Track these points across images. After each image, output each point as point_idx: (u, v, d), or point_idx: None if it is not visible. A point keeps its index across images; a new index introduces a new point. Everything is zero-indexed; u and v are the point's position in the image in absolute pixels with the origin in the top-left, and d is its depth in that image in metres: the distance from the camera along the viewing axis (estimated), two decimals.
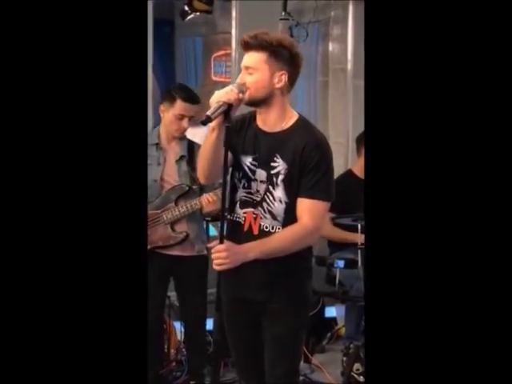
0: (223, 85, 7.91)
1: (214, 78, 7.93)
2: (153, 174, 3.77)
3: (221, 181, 2.78)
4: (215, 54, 7.88)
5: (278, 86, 2.61)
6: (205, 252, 3.92)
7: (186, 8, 6.22)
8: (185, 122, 3.77)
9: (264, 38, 2.58)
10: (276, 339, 2.73)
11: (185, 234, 3.82)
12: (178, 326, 4.51)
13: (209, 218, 4.26)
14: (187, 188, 3.78)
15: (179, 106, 3.76)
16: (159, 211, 3.80)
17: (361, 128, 5.71)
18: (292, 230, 2.60)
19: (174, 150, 3.85)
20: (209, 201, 3.67)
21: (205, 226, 4.15)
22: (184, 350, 4.43)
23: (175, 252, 3.84)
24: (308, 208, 2.60)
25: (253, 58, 2.59)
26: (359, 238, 4.19)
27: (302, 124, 2.69)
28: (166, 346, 4.33)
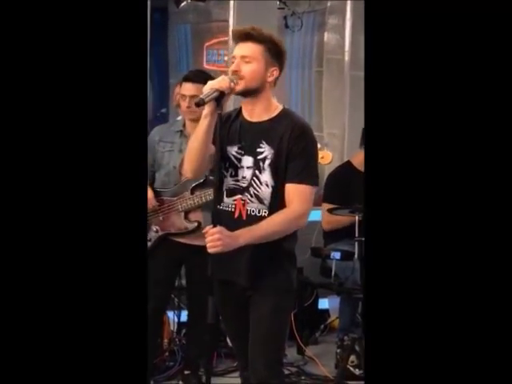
0: (215, 73, 7.91)
1: (206, 67, 7.89)
2: (173, 160, 3.80)
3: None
4: (208, 43, 7.84)
5: (269, 79, 2.72)
6: None
7: None
8: (186, 101, 3.78)
9: (261, 32, 2.70)
10: (257, 326, 2.76)
11: (197, 223, 3.79)
12: (171, 316, 4.49)
13: None
14: (204, 177, 3.75)
15: (182, 86, 3.82)
16: (175, 198, 3.81)
17: (356, 119, 5.74)
18: (281, 215, 2.67)
19: None
20: None
21: None
22: (177, 340, 4.41)
23: (187, 240, 3.81)
24: (297, 193, 2.68)
25: (251, 49, 2.69)
26: (356, 224, 4.17)
27: (287, 113, 2.79)
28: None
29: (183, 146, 3.80)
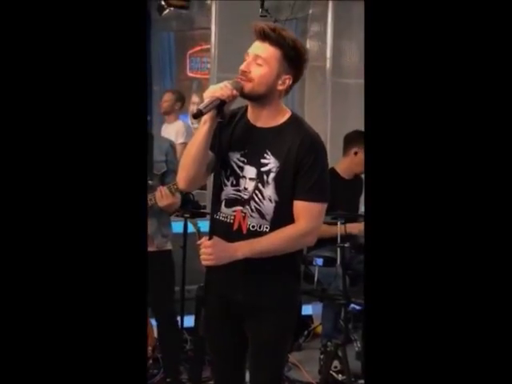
0: (199, 80, 7.93)
1: (189, 74, 7.92)
2: None
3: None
4: (191, 50, 7.88)
5: (279, 88, 2.51)
6: (167, 247, 3.91)
7: (162, 3, 6.19)
8: None
9: (282, 34, 2.47)
10: (259, 345, 2.65)
11: None
12: (154, 324, 4.48)
13: (187, 215, 4.24)
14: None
15: None
16: None
17: (338, 126, 5.76)
18: (286, 232, 2.51)
19: None
20: (161, 194, 3.61)
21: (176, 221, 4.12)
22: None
23: None
24: (305, 210, 2.52)
25: (266, 51, 2.47)
26: (338, 230, 4.18)
27: (295, 121, 2.59)
28: None
29: None
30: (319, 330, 5.02)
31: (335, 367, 4.18)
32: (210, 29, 5.63)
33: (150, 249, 3.80)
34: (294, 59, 2.50)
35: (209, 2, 5.91)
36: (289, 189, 2.52)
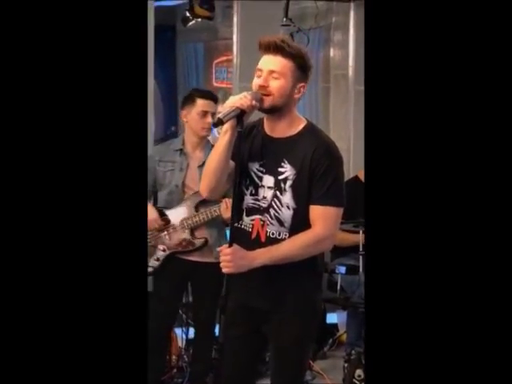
0: (224, 90, 7.97)
1: (215, 84, 7.96)
2: (175, 179, 3.86)
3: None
4: (216, 60, 7.91)
5: (296, 96, 2.58)
6: None
7: (188, 14, 6.21)
8: (209, 118, 3.85)
9: (291, 45, 2.54)
10: (280, 350, 2.68)
11: (204, 240, 3.84)
12: (179, 333, 4.51)
13: None
14: None
15: (200, 103, 3.87)
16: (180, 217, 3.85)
17: (361, 133, 5.72)
18: (303, 238, 2.55)
19: (198, 157, 3.90)
20: (226, 206, 3.67)
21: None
22: (185, 356, 4.42)
23: (194, 258, 3.88)
24: (320, 215, 2.56)
25: (280, 64, 2.51)
26: (360, 238, 4.17)
27: (310, 130, 2.64)
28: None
29: (183, 164, 3.87)
30: (344, 338, 5.01)
31: (359, 376, 4.16)
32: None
33: (209, 259, 3.85)
34: (303, 67, 2.56)
35: (233, 12, 5.92)
36: (305, 195, 2.57)
